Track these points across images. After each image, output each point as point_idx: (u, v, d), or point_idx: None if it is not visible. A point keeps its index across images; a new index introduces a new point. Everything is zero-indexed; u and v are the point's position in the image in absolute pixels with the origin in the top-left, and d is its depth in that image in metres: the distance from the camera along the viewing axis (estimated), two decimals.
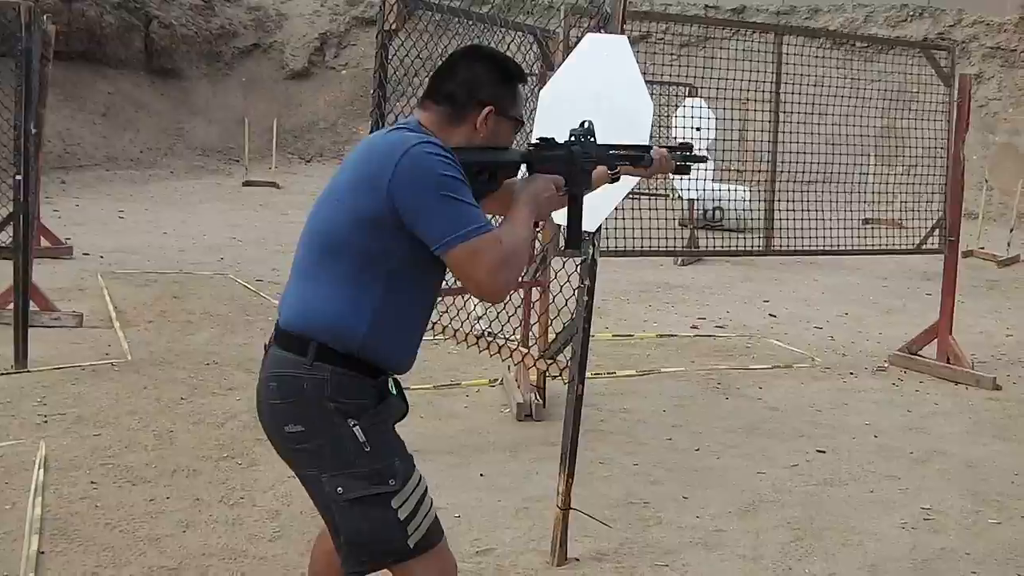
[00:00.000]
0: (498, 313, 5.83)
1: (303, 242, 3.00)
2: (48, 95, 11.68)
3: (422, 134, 2.89)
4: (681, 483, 5.80)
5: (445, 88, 2.99)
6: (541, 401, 6.90)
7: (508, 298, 6.05)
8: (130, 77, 25.46)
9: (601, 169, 3.37)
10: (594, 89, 4.49)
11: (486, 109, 2.96)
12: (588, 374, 4.61)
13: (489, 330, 5.19)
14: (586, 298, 4.44)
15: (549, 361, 4.65)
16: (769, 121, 9.95)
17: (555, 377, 4.68)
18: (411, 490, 2.91)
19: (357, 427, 2.86)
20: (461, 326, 5.36)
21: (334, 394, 2.87)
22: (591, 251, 4.39)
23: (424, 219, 2.75)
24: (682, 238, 13.11)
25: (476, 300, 5.80)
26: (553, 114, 4.66)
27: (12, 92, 7.60)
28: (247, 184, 21.01)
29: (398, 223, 2.78)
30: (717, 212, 16.55)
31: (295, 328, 2.91)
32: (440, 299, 5.98)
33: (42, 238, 12.01)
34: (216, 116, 26.19)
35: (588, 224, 4.36)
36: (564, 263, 5.56)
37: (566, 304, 4.84)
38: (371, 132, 5.93)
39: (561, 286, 5.21)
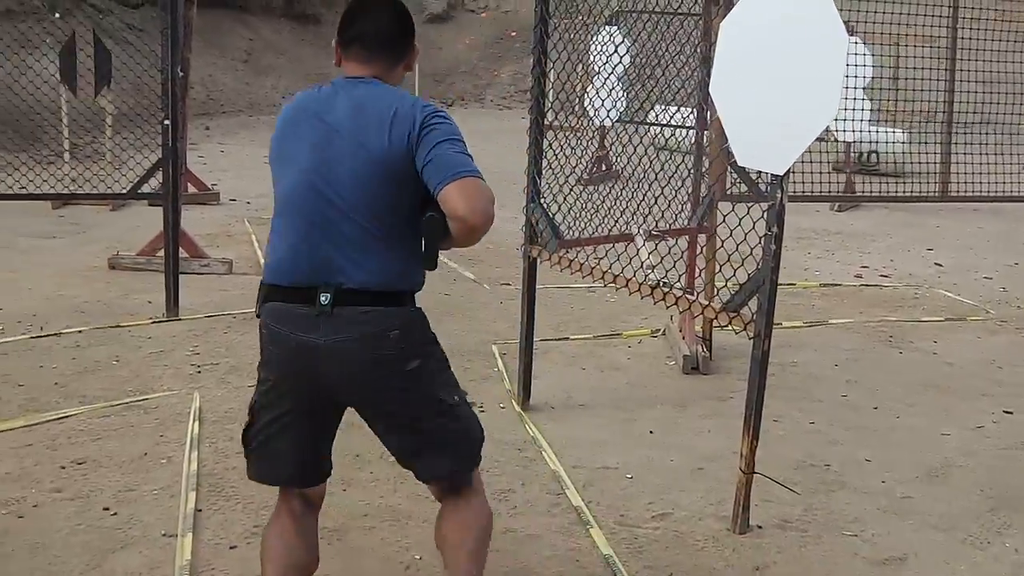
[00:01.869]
0: (674, 263, 5.50)
1: None
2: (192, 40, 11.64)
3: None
4: (862, 444, 5.45)
5: None
6: (708, 353, 6.59)
7: (674, 243, 5.76)
8: (270, 23, 25.54)
9: None
10: (780, 22, 4.12)
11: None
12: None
13: (665, 280, 4.86)
14: (774, 247, 4.09)
15: (732, 314, 4.32)
16: (932, 59, 9.41)
17: (738, 332, 4.35)
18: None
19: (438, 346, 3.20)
20: (634, 275, 5.03)
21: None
22: (779, 195, 4.04)
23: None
24: (838, 182, 12.60)
25: (648, 248, 5.53)
26: (737, 49, 4.31)
27: (158, 37, 7.45)
28: None
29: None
30: (872, 156, 15.89)
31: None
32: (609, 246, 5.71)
33: (188, 184, 12.01)
34: None
35: (776, 166, 4.03)
36: (733, 207, 5.21)
37: (736, 251, 4.48)
38: (532, 71, 5.69)
39: (732, 231, 4.85)
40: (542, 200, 5.61)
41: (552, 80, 6.00)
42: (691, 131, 7.14)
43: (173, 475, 4.71)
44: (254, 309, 3.17)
